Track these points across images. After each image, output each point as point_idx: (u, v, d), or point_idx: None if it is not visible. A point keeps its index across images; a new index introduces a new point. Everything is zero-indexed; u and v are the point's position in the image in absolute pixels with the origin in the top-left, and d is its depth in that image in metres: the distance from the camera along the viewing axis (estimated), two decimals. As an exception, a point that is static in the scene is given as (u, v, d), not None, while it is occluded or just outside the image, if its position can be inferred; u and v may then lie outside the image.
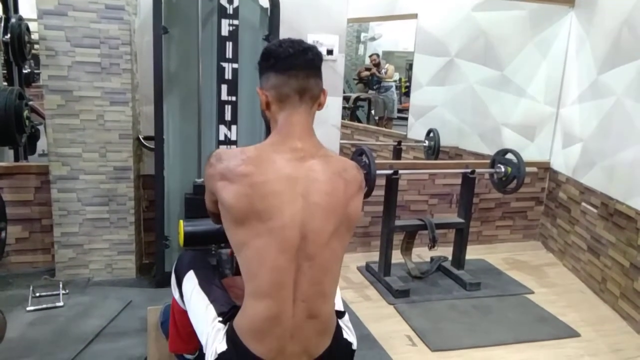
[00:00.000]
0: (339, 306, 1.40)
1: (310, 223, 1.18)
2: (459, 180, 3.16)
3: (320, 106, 1.30)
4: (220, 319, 1.31)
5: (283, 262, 1.17)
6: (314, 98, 1.28)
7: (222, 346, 1.24)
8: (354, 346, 1.37)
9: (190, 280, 1.53)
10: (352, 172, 1.28)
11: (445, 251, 3.18)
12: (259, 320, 1.19)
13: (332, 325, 1.29)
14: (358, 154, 2.77)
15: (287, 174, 1.19)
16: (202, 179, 2.59)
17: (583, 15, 3.27)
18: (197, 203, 2.53)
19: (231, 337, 1.23)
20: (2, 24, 2.91)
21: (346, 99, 5.84)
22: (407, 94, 5.48)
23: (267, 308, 1.18)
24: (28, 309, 2.40)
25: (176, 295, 1.68)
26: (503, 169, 3.03)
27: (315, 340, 1.24)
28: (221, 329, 1.29)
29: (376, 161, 2.70)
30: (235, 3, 2.49)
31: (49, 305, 2.44)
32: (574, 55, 3.36)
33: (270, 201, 1.16)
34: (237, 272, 1.24)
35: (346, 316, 1.42)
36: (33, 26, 2.91)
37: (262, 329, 1.19)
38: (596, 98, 3.07)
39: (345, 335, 1.34)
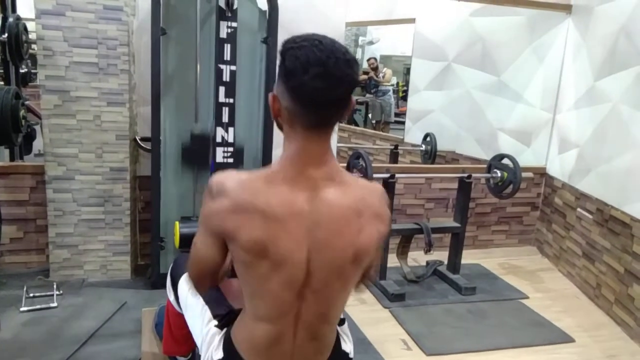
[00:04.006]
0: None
1: (318, 260, 1.07)
2: (455, 185, 3.16)
3: (344, 118, 1.15)
4: (216, 322, 1.30)
5: (287, 297, 1.09)
6: (337, 122, 1.09)
7: (219, 354, 1.21)
8: (351, 355, 1.35)
9: (186, 282, 1.53)
10: (370, 200, 1.11)
11: (441, 255, 3.18)
12: (258, 338, 1.15)
13: (332, 342, 1.25)
14: (355, 158, 2.78)
15: (298, 209, 1.04)
16: (199, 125, 2.58)
17: (580, 22, 3.28)
18: (195, 150, 2.59)
19: (228, 346, 1.21)
20: (0, 24, 2.90)
21: (344, 102, 5.83)
22: (405, 98, 5.50)
23: (268, 331, 1.13)
24: (22, 309, 2.39)
25: (171, 298, 1.68)
26: (499, 174, 3.04)
27: (315, 358, 1.21)
28: (217, 335, 1.27)
29: (373, 165, 2.70)
30: (234, 5, 2.49)
31: (43, 306, 2.43)
32: (570, 62, 3.38)
33: (281, 241, 1.04)
34: (233, 274, 1.20)
35: (346, 323, 1.39)
36: (31, 26, 2.90)
37: (261, 348, 1.15)
38: (592, 104, 3.08)
39: (343, 347, 1.30)
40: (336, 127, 3.17)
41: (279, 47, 1.04)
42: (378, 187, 1.16)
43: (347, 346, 1.33)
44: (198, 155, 2.61)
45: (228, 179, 1.06)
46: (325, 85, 0.98)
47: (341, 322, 1.36)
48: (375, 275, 1.36)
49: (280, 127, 1.12)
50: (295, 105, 1.02)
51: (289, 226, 1.04)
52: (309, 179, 1.06)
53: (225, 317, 1.30)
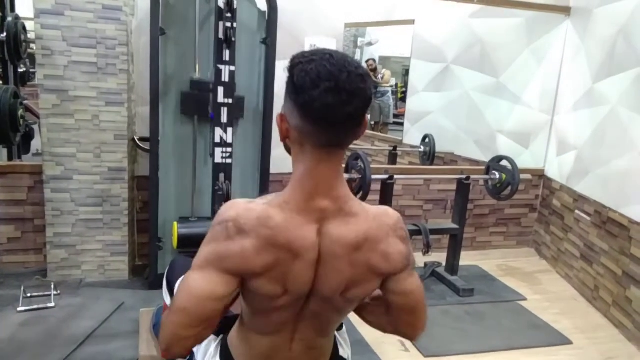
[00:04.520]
0: None
1: (320, 290, 1.03)
2: (453, 186, 3.16)
3: (357, 138, 1.02)
4: None
5: (287, 317, 1.07)
6: (349, 144, 1.02)
7: None
8: None
9: None
10: (375, 233, 1.02)
11: (439, 257, 3.18)
12: (255, 351, 1.15)
13: (329, 350, 1.24)
14: (353, 159, 2.78)
15: (311, 243, 0.98)
16: (198, 76, 2.56)
17: (579, 24, 3.29)
18: (194, 98, 2.56)
19: (225, 353, 1.21)
20: (-1, 23, 2.90)
21: (342, 103, 5.83)
22: (403, 100, 5.49)
23: (265, 343, 1.13)
24: (19, 309, 2.38)
25: (167, 301, 1.67)
26: (498, 176, 3.04)
27: None
28: (213, 341, 1.26)
29: (371, 166, 2.70)
30: (233, 6, 2.49)
31: (40, 306, 2.43)
32: (569, 64, 3.39)
33: (291, 277, 0.99)
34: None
35: (344, 328, 1.38)
36: (30, 25, 2.90)
37: (258, 358, 1.15)
38: (591, 106, 3.08)
39: (341, 352, 1.29)
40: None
41: (287, 63, 0.96)
42: (391, 218, 1.05)
43: (345, 352, 1.32)
44: (198, 103, 2.57)
45: (243, 217, 0.98)
46: (336, 100, 0.90)
47: (339, 327, 1.35)
48: (417, 328, 1.26)
49: (289, 151, 1.04)
50: (305, 123, 0.94)
51: (304, 261, 0.99)
52: (317, 210, 0.99)
53: (221, 324, 1.29)
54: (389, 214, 1.06)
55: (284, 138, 1.01)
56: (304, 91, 0.91)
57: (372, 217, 1.03)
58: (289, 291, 1.00)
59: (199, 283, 0.98)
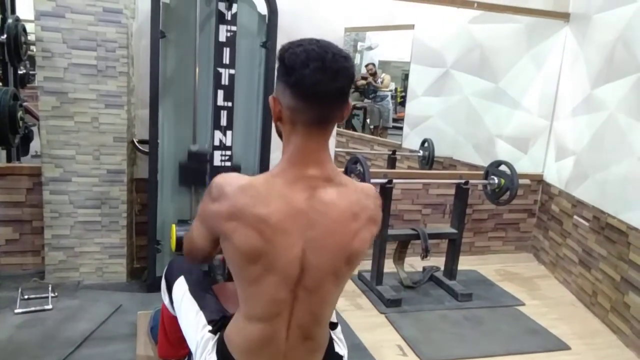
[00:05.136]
0: (332, 318, 1.39)
1: (312, 259, 1.10)
2: (452, 191, 3.16)
3: (341, 120, 1.14)
4: (210, 327, 1.30)
5: (281, 295, 1.12)
6: (336, 120, 1.13)
7: (212, 357, 1.22)
8: (345, 358, 1.35)
9: (181, 286, 1.52)
10: (365, 202, 1.15)
11: (438, 261, 3.18)
12: (251, 340, 1.16)
13: (324, 343, 1.27)
14: (353, 162, 2.78)
15: (296, 208, 1.08)
16: (196, 146, 2.58)
17: (578, 30, 3.30)
18: (191, 169, 2.58)
19: (221, 350, 1.21)
20: (-1, 25, 2.90)
21: (342, 107, 5.85)
22: (403, 104, 5.51)
23: (261, 331, 1.15)
24: (16, 311, 2.37)
25: (166, 301, 1.67)
26: (496, 181, 3.04)
27: (308, 358, 1.22)
28: (211, 339, 1.27)
29: (370, 170, 2.70)
30: (234, 9, 2.49)
31: (38, 308, 2.42)
32: (568, 69, 3.40)
33: (278, 241, 1.07)
34: (229, 277, 1.21)
35: (338, 327, 1.41)
36: (30, 27, 2.90)
37: (254, 348, 1.17)
38: (589, 112, 3.09)
39: (337, 349, 1.32)
40: (334, 132, 3.19)
41: (277, 53, 1.09)
42: (372, 189, 1.20)
43: (341, 350, 1.34)
44: (195, 174, 2.61)
45: (228, 183, 1.09)
46: (324, 77, 1.03)
47: (334, 326, 1.37)
48: None
49: (280, 134, 1.15)
50: (297, 101, 1.06)
51: (286, 228, 1.07)
52: (309, 179, 1.09)
53: (219, 322, 1.30)
54: (370, 187, 1.22)
55: (277, 119, 1.13)
56: (295, 71, 1.04)
57: (357, 187, 1.17)
58: (267, 261, 1.08)
59: (193, 232, 1.24)
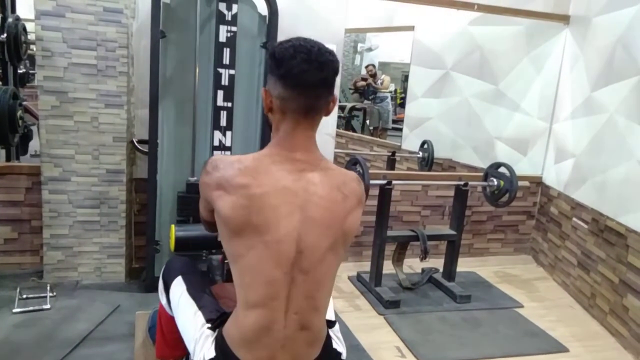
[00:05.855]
0: (330, 316, 1.39)
1: (306, 238, 1.15)
2: (451, 193, 3.17)
3: (327, 113, 1.23)
4: (209, 325, 1.30)
5: (277, 275, 1.15)
6: (322, 111, 1.22)
7: (211, 353, 1.23)
8: (344, 356, 1.36)
9: (179, 286, 1.52)
10: (352, 185, 1.24)
11: (437, 263, 3.18)
12: (249, 330, 1.18)
13: (322, 336, 1.28)
14: (352, 164, 2.78)
15: (285, 186, 1.15)
16: (195, 178, 2.58)
17: (578, 33, 3.31)
18: (189, 201, 2.53)
19: (220, 344, 1.22)
20: (-1, 24, 2.90)
21: (341, 108, 5.87)
22: (402, 105, 5.52)
23: (259, 318, 1.17)
24: (14, 310, 2.37)
25: (163, 301, 1.67)
26: (496, 183, 3.05)
27: (306, 351, 1.23)
28: (210, 336, 1.28)
29: (370, 171, 2.70)
30: (234, 10, 2.50)
31: (36, 307, 2.41)
32: (567, 72, 3.40)
33: (267, 214, 1.13)
34: (228, 278, 1.22)
35: (337, 326, 1.42)
36: (30, 26, 2.90)
37: (252, 338, 1.18)
38: (589, 114, 3.09)
39: (335, 346, 1.33)
40: (334, 133, 3.19)
41: (269, 50, 1.20)
42: (354, 174, 1.30)
43: (340, 347, 1.35)
44: (194, 205, 2.62)
45: (221, 159, 1.21)
46: (311, 67, 1.14)
47: (332, 324, 1.38)
48: None
49: (270, 126, 1.26)
50: (286, 90, 1.16)
51: (274, 204, 1.14)
52: (296, 162, 1.18)
53: (218, 320, 1.30)
54: (353, 173, 1.31)
55: (268, 110, 1.23)
56: (284, 62, 1.15)
57: (344, 172, 1.26)
58: (256, 231, 1.14)
59: (200, 207, 1.36)
